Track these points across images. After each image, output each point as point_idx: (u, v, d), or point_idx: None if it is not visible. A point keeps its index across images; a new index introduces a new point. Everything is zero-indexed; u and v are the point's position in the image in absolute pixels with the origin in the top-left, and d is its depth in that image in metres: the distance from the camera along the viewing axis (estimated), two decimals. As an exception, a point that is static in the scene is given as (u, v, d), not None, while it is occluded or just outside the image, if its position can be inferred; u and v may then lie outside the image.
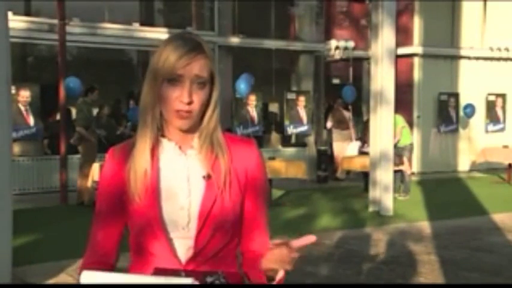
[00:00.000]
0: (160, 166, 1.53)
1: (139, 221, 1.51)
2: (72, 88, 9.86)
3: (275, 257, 1.44)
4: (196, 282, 1.31)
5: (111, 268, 1.56)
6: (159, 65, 1.48)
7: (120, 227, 1.58)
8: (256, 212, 1.60)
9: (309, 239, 1.42)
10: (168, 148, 1.55)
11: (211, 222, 1.50)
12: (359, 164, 11.15)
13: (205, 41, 1.54)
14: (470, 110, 15.09)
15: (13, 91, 9.11)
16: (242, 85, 11.81)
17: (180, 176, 1.52)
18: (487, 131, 16.24)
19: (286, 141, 14.59)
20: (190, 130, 1.53)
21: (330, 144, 14.56)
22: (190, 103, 1.47)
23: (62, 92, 10.05)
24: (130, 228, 1.56)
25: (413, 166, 12.33)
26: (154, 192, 1.50)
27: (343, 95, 13.82)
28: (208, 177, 1.51)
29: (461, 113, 15.54)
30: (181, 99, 1.46)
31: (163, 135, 1.55)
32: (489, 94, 16.17)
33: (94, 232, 1.58)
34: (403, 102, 14.19)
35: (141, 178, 1.50)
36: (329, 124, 14.02)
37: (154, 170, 1.52)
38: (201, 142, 1.53)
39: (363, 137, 11.44)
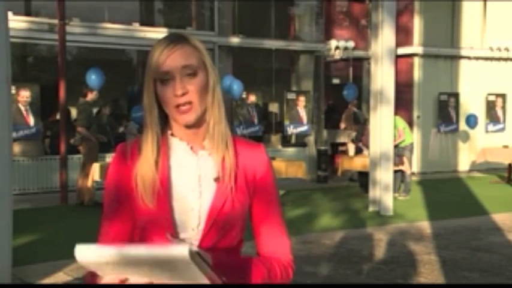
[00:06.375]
0: (171, 165, 1.51)
1: (147, 219, 1.48)
2: (94, 79, 9.94)
3: None
4: (195, 248, 1.23)
5: None
6: (148, 66, 1.48)
7: (130, 224, 1.52)
8: (271, 216, 1.57)
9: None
10: (179, 148, 1.53)
11: (219, 224, 1.48)
12: (359, 164, 11.15)
13: (197, 40, 1.51)
14: (473, 120, 15.06)
15: (13, 91, 9.12)
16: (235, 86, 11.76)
17: (191, 176, 1.50)
18: (487, 131, 16.24)
19: (286, 141, 14.58)
20: (198, 126, 1.50)
21: (330, 144, 14.57)
22: (185, 94, 1.45)
23: (62, 92, 10.05)
24: (136, 225, 1.52)
25: (413, 166, 12.31)
26: (164, 191, 1.48)
27: (344, 93, 13.82)
28: (219, 180, 1.49)
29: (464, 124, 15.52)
30: (175, 93, 1.44)
31: (173, 135, 1.53)
32: (489, 94, 16.18)
33: (104, 231, 1.54)
34: (403, 102, 14.20)
35: (149, 183, 1.47)
36: (342, 125, 14.11)
37: (164, 169, 1.49)
38: (211, 141, 1.51)
39: (358, 136, 11.43)
